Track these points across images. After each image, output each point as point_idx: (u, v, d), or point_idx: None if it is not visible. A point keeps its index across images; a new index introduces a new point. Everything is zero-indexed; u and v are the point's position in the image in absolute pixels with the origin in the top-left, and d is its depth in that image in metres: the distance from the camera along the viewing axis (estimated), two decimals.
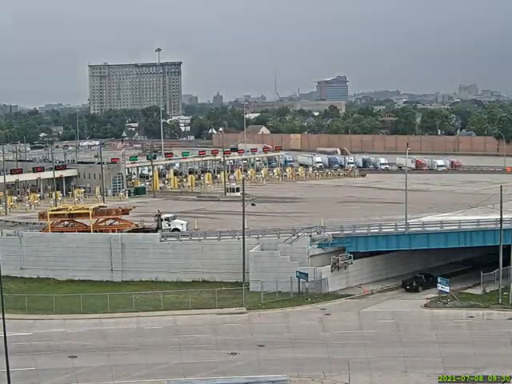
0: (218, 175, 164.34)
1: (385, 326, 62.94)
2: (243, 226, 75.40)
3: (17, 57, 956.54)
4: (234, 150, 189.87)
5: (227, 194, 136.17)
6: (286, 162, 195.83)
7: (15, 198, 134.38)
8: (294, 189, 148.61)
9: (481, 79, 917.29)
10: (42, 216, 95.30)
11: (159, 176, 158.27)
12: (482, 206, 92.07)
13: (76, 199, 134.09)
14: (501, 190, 71.88)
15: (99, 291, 74.78)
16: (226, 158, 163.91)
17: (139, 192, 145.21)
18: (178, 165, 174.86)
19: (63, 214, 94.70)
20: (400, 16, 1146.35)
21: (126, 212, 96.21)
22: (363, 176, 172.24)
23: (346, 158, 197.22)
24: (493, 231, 76.36)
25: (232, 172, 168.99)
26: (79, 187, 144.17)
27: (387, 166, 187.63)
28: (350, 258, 77.14)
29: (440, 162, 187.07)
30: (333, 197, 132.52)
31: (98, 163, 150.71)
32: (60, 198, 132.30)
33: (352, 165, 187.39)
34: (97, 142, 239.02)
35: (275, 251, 77.80)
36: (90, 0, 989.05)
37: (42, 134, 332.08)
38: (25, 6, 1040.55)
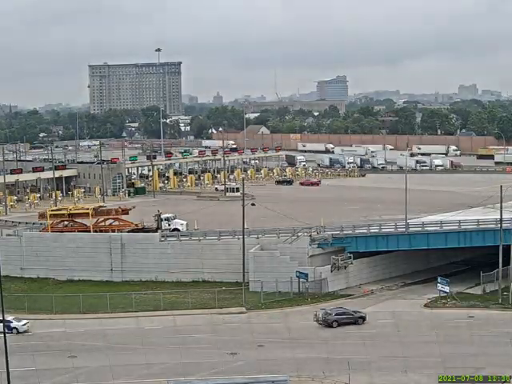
0: (218, 175, 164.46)
1: (385, 326, 62.98)
2: (243, 226, 75.35)
3: (17, 56, 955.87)
4: (234, 150, 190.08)
5: (227, 193, 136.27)
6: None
7: (15, 198, 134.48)
8: (294, 188, 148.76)
9: (481, 79, 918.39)
10: (42, 216, 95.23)
11: (159, 176, 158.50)
12: (483, 207, 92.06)
13: (76, 199, 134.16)
14: (501, 189, 71.83)
15: (99, 291, 74.76)
16: (226, 158, 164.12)
17: (139, 192, 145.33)
18: (177, 165, 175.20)
19: (63, 214, 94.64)
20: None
21: (125, 212, 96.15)
22: (363, 176, 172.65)
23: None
24: (493, 231, 76.34)
25: (232, 172, 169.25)
26: (79, 187, 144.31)
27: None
28: (350, 257, 77.09)
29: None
30: (333, 197, 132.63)
31: (98, 163, 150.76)
32: (60, 198, 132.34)
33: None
34: (96, 142, 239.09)
35: (275, 251, 77.81)
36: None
37: (41, 134, 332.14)
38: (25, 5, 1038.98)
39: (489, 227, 77.92)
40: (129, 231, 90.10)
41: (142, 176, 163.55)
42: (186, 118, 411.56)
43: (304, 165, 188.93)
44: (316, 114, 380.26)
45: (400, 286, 77.99)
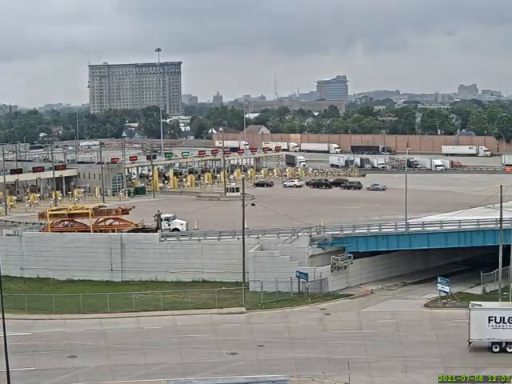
0: (218, 175, 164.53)
1: (385, 326, 62.93)
2: (243, 226, 75.32)
3: (17, 55, 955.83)
4: (234, 150, 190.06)
5: (227, 193, 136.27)
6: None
7: (15, 197, 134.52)
8: (294, 189, 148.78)
9: (481, 79, 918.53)
10: (42, 216, 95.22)
11: (159, 176, 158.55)
12: (483, 207, 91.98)
13: (76, 199, 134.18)
14: (501, 189, 71.78)
15: (99, 291, 74.73)
16: (226, 158, 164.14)
17: (139, 192, 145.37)
18: (177, 165, 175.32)
19: (63, 214, 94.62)
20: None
21: (125, 212, 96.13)
22: (363, 176, 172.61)
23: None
24: (493, 231, 76.31)
25: (232, 172, 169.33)
26: (79, 187, 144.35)
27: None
28: (350, 257, 77.07)
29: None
30: (332, 196, 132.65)
31: (98, 163, 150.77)
32: (60, 198, 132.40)
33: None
34: (96, 142, 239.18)
35: (275, 251, 77.79)
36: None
37: (41, 134, 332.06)
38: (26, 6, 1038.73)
39: (489, 227, 77.88)
40: (129, 231, 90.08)
41: (141, 176, 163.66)
42: (186, 118, 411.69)
43: (304, 165, 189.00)
44: (316, 113, 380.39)
45: (400, 286, 77.99)
